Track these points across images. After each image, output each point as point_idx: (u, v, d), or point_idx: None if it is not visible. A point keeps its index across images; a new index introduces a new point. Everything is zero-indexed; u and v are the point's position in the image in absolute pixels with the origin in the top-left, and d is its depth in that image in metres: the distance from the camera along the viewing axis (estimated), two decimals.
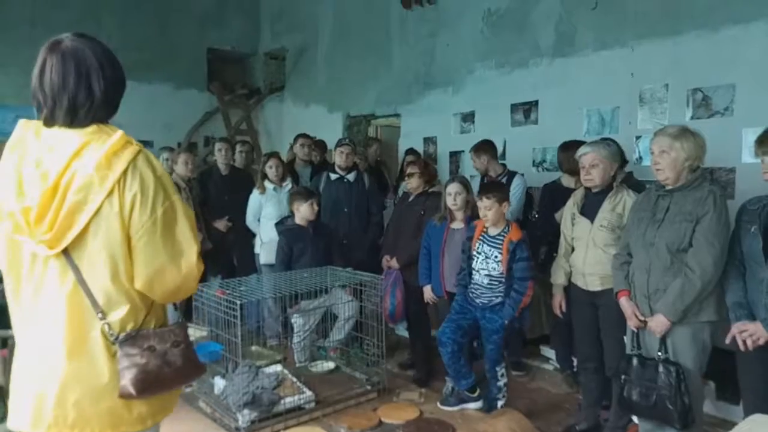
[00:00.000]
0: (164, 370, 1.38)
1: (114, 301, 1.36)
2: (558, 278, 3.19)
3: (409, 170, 4.07)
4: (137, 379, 1.34)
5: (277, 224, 4.18)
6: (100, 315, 1.35)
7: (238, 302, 2.87)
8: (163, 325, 1.45)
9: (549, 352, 4.22)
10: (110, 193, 1.31)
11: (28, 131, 1.37)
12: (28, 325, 1.39)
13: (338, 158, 4.48)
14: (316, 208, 3.93)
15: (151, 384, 1.36)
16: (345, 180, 4.49)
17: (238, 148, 5.60)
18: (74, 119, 1.36)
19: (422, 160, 4.36)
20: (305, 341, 3.85)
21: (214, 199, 5.11)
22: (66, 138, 1.35)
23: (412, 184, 4.02)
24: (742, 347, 2.33)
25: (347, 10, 6.84)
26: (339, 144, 4.55)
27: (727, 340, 2.39)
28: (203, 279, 4.55)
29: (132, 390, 1.34)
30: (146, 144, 7.13)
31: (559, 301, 3.21)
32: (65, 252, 1.32)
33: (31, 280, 1.36)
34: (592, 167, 2.94)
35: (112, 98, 1.42)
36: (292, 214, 4.08)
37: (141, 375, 1.34)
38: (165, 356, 1.39)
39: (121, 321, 1.37)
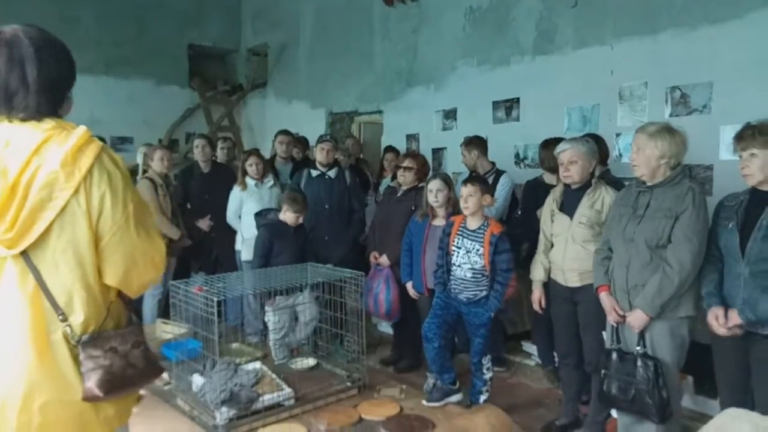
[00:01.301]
0: (128, 371, 1.36)
1: (76, 303, 1.32)
2: (537, 274, 3.20)
3: (406, 164, 4.02)
4: (103, 380, 1.31)
5: (256, 215, 4.08)
6: (61, 317, 1.30)
7: (215, 299, 2.82)
8: (119, 327, 1.41)
9: (530, 347, 4.24)
10: (76, 191, 1.27)
11: None
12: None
13: (319, 155, 4.45)
14: (300, 221, 3.88)
15: (117, 385, 1.34)
16: (326, 176, 4.46)
17: (219, 144, 5.53)
18: (10, 109, 1.31)
19: (422, 156, 4.33)
20: (281, 339, 3.81)
21: (196, 196, 5.05)
22: (22, 133, 1.30)
23: (407, 179, 3.98)
24: (718, 331, 2.36)
25: (329, 6, 6.82)
26: (320, 140, 4.52)
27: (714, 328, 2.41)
28: (185, 275, 4.51)
29: (98, 392, 1.30)
30: (126, 140, 7.17)
31: (538, 297, 3.22)
32: (24, 253, 1.27)
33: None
34: (571, 164, 2.95)
35: (50, 87, 1.35)
36: (278, 209, 4.01)
37: (107, 376, 1.31)
38: (127, 357, 1.37)
39: (84, 323, 1.33)
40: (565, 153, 3.00)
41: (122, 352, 1.36)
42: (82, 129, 1.33)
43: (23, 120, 1.32)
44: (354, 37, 6.47)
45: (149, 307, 4.55)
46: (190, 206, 5.06)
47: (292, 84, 7.46)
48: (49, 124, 1.32)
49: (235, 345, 4.20)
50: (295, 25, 7.31)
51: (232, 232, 4.74)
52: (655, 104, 3.97)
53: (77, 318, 1.32)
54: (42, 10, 6.57)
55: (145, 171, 4.80)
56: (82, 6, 6.99)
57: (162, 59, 7.59)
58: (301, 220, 3.89)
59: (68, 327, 1.31)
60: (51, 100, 1.35)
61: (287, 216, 3.88)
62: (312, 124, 6.79)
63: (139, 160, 5.31)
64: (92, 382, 1.30)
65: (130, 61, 7.30)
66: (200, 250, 4.96)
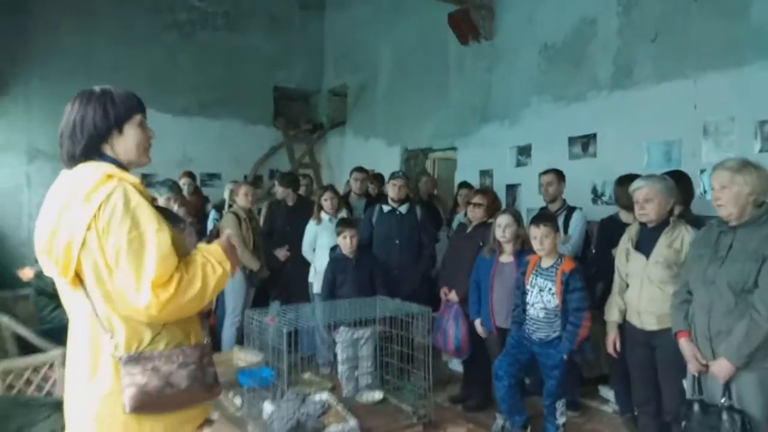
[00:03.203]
0: (165, 391, 1.44)
1: (115, 324, 1.46)
2: (612, 315, 3.07)
3: (476, 200, 4.03)
4: (133, 397, 1.42)
5: (331, 249, 4.29)
6: (110, 336, 1.45)
7: (285, 330, 2.93)
8: (180, 345, 1.51)
9: (608, 392, 4.02)
10: (89, 227, 1.42)
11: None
12: (70, 346, 1.55)
13: (391, 191, 4.54)
14: (349, 241, 3.99)
15: (148, 403, 1.43)
16: (397, 212, 4.53)
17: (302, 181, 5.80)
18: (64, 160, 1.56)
19: (492, 192, 4.33)
20: (349, 371, 3.87)
21: (279, 229, 5.29)
22: (65, 178, 1.52)
23: (476, 214, 3.99)
24: None
25: (406, 47, 7.02)
26: (392, 177, 4.61)
27: None
28: (264, 304, 4.69)
29: (127, 407, 1.42)
30: (215, 176, 7.64)
31: (613, 340, 3.08)
32: (80, 281, 1.46)
33: (67, 306, 1.54)
34: (647, 202, 2.85)
35: (74, 136, 1.54)
36: None
37: (138, 395, 1.42)
38: (168, 377, 1.45)
39: (126, 342, 1.46)
40: (640, 191, 2.91)
41: (165, 372, 1.45)
42: (101, 170, 1.49)
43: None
44: (429, 76, 6.61)
45: (228, 335, 4.75)
46: (274, 237, 5.30)
47: (369, 122, 7.69)
48: (82, 166, 1.52)
49: (306, 375, 4.30)
50: (373, 65, 7.58)
51: (307, 265, 4.89)
52: (743, 139, 3.76)
53: (119, 338, 1.46)
54: (149, 56, 7.26)
55: (230, 205, 5.10)
56: (183, 52, 7.63)
57: (250, 100, 8.09)
58: (349, 242, 3.98)
59: (114, 345, 1.45)
60: (82, 149, 1.54)
61: (340, 245, 4.02)
62: (388, 161, 6.94)
63: (226, 195, 5.66)
64: (125, 398, 1.42)
65: (221, 103, 7.84)
66: (277, 280, 5.15)
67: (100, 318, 1.45)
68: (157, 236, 1.44)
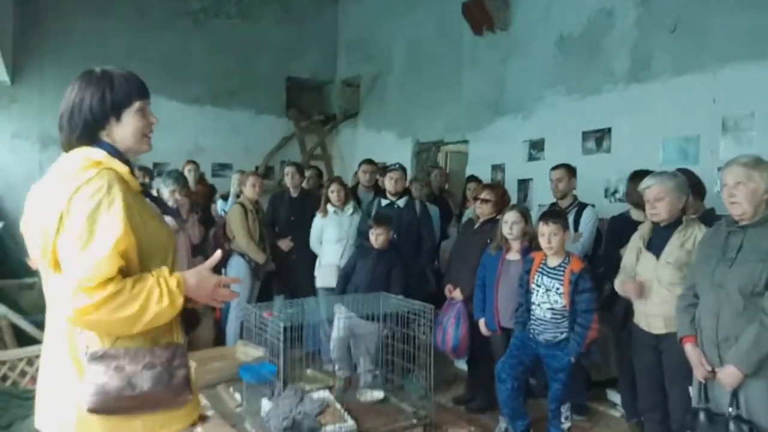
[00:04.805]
0: (125, 393, 1.37)
1: None
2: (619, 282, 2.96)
3: (484, 195, 3.93)
4: (90, 396, 1.35)
5: (359, 236, 4.44)
6: (79, 329, 1.39)
7: (281, 325, 2.88)
8: (156, 343, 1.44)
9: (615, 396, 3.91)
10: (61, 215, 1.35)
11: None
12: (47, 338, 1.49)
13: (388, 184, 4.47)
14: (375, 238, 3.98)
15: (107, 404, 1.36)
16: (395, 205, 4.45)
17: (306, 173, 5.72)
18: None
19: (501, 187, 4.22)
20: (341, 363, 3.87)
21: (283, 219, 5.24)
22: (58, 163, 1.48)
23: (484, 210, 3.89)
24: None
25: (420, 38, 6.90)
26: (389, 170, 4.53)
27: None
28: (268, 298, 4.66)
29: (84, 407, 1.36)
30: (226, 167, 7.62)
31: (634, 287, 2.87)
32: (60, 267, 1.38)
33: (47, 295, 1.46)
34: (657, 201, 2.74)
35: (71, 122, 1.49)
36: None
37: (96, 394, 1.35)
38: (131, 378, 1.37)
39: (99, 336, 1.39)
40: (650, 189, 2.79)
41: (129, 372, 1.37)
42: (81, 156, 1.43)
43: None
44: (443, 67, 6.49)
45: (232, 329, 4.72)
46: (278, 229, 5.25)
47: (381, 114, 7.60)
48: (70, 153, 1.48)
49: (309, 371, 4.25)
50: (386, 56, 7.47)
51: (313, 258, 4.84)
52: (763, 135, 3.60)
53: (91, 333, 1.39)
54: (162, 43, 7.25)
55: (237, 196, 5.05)
56: (195, 40, 7.59)
57: (262, 90, 8.04)
58: (380, 239, 3.97)
59: (84, 340, 1.39)
60: (76, 135, 1.50)
61: (371, 237, 3.99)
62: (399, 154, 6.83)
63: (233, 186, 5.62)
64: (84, 395, 1.36)
65: (233, 93, 7.80)
66: (282, 273, 5.10)
67: None
68: (103, 237, 1.33)
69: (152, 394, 1.39)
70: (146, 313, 1.36)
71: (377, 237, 3.98)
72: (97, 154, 1.44)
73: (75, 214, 1.34)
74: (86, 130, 1.47)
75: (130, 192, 1.45)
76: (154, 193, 4.33)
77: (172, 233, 1.66)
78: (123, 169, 1.46)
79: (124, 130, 1.51)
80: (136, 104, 1.52)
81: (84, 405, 1.36)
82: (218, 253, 1.68)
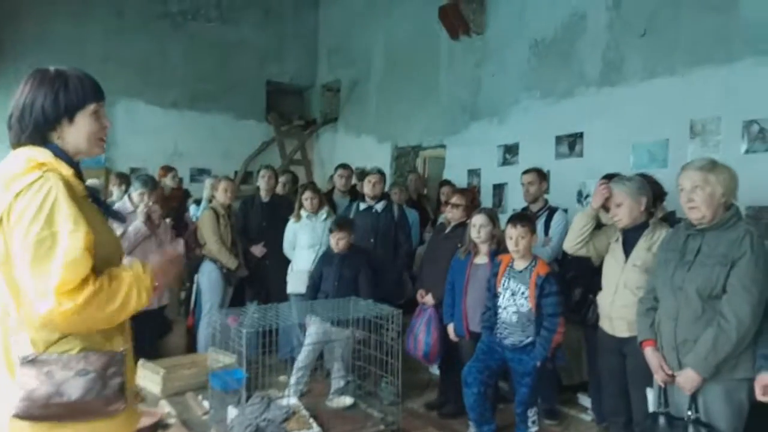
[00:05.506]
0: (53, 400, 1.32)
1: (19, 321, 1.35)
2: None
3: (454, 200, 3.93)
4: (18, 402, 1.31)
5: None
6: (12, 333, 1.35)
7: (244, 331, 2.85)
8: (89, 350, 1.39)
9: (586, 400, 3.90)
10: (2, 217, 1.32)
11: None
12: None
13: (366, 187, 4.45)
14: (335, 242, 3.96)
15: (33, 411, 1.32)
16: (373, 210, 4.43)
17: (281, 179, 5.66)
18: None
19: (471, 192, 4.22)
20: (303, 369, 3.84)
21: (254, 225, 5.17)
22: (4, 162, 1.43)
23: (456, 215, 3.88)
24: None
25: (398, 42, 6.91)
26: (367, 173, 4.52)
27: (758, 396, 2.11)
28: (241, 304, 4.61)
29: (14, 412, 1.31)
30: (204, 172, 7.55)
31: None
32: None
33: None
34: (617, 206, 2.75)
35: (21, 121, 1.46)
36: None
37: (24, 400, 1.31)
38: (61, 385, 1.33)
39: (31, 341, 1.34)
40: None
41: (59, 378, 1.33)
42: (25, 156, 1.39)
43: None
44: (421, 72, 6.49)
45: (204, 336, 4.65)
46: (250, 235, 5.19)
47: (361, 118, 7.59)
48: (18, 150, 1.44)
49: (282, 378, 4.21)
50: (366, 60, 7.47)
51: (286, 263, 4.79)
52: (730, 139, 3.63)
53: (24, 336, 1.34)
54: (140, 46, 7.17)
55: (210, 201, 5.00)
56: (173, 43, 7.53)
57: (242, 95, 7.99)
58: (340, 245, 3.94)
59: (17, 344, 1.34)
60: (24, 134, 1.46)
61: (330, 241, 3.95)
62: (378, 158, 6.83)
63: (206, 191, 5.56)
64: (12, 401, 1.31)
65: (212, 96, 7.75)
66: (254, 279, 5.04)
67: (9, 312, 1.35)
68: (69, 238, 1.31)
69: (82, 402, 1.35)
70: (127, 308, 1.39)
71: (338, 241, 3.96)
72: (43, 155, 1.41)
73: (26, 219, 1.30)
74: (36, 131, 1.44)
75: (74, 195, 1.40)
76: (126, 198, 4.28)
77: (117, 239, 1.63)
78: (67, 171, 1.42)
79: (77, 132, 1.47)
80: (91, 107, 1.48)
81: (11, 410, 1.32)
82: (180, 245, 1.69)
